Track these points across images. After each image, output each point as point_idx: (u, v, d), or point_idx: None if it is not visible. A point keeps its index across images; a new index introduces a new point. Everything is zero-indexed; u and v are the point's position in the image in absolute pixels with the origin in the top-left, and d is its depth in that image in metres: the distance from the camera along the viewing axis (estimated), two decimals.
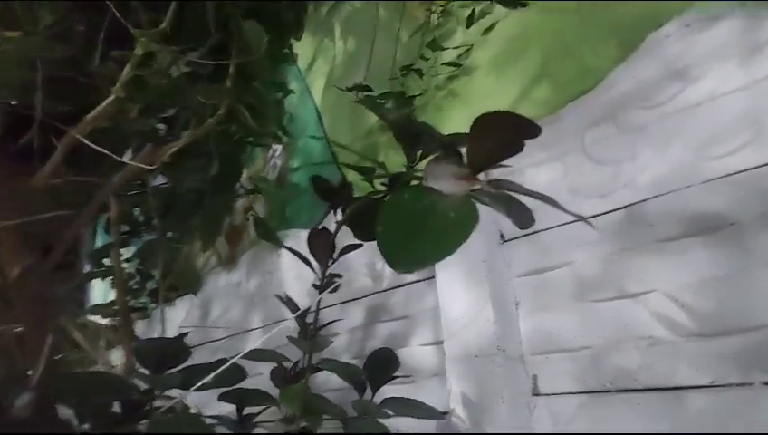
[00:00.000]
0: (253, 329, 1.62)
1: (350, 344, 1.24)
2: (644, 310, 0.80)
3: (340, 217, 0.64)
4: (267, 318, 1.57)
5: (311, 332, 0.71)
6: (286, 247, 0.70)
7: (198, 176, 1.48)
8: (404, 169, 0.54)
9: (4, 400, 0.79)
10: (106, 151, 0.87)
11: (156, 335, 1.52)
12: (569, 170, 0.94)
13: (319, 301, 0.66)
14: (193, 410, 0.89)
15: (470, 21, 1.35)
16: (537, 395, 0.89)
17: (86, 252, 1.97)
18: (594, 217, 0.89)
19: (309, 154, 1.95)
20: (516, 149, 0.40)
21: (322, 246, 0.64)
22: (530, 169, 0.99)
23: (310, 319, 0.76)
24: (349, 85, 1.54)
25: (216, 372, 0.64)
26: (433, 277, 1.05)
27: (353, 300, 1.27)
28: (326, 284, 0.65)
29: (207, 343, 1.89)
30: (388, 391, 1.00)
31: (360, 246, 0.62)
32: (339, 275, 0.66)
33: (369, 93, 1.46)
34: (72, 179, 1.11)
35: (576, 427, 0.83)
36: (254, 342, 1.61)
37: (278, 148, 2.11)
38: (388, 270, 1.19)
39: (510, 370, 0.89)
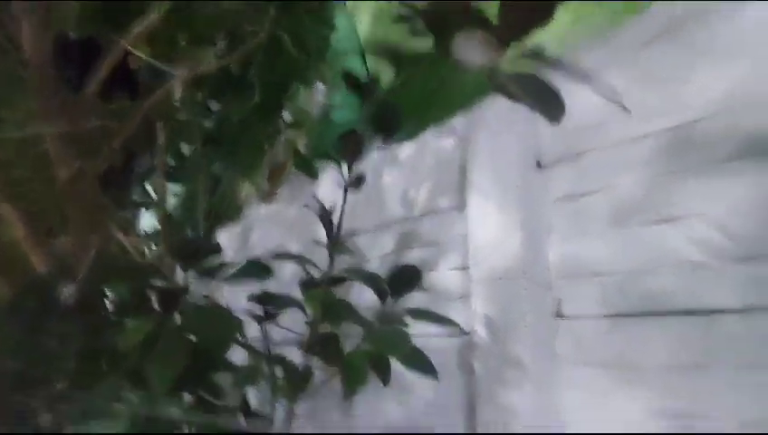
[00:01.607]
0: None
1: (380, 271, 1.25)
2: (685, 235, 0.76)
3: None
4: (306, 244, 1.60)
5: (334, 235, 0.72)
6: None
7: (241, 103, 1.50)
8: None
9: (53, 291, 0.85)
10: (151, 60, 0.89)
11: None
12: (620, 91, 0.89)
13: (344, 200, 0.66)
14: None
15: None
16: (561, 317, 0.88)
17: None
18: (642, 138, 0.84)
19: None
20: (547, 16, 0.38)
21: (351, 147, 0.65)
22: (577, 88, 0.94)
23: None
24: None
25: (241, 266, 0.66)
26: (464, 205, 1.04)
27: (385, 227, 1.27)
28: (353, 182, 0.65)
29: None
30: None
31: (387, 147, 0.62)
32: (363, 176, 0.67)
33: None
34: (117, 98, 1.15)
35: (600, 349, 0.81)
36: (294, 267, 1.65)
37: (321, 84, 2.10)
38: (421, 197, 1.19)
39: (534, 293, 0.88)
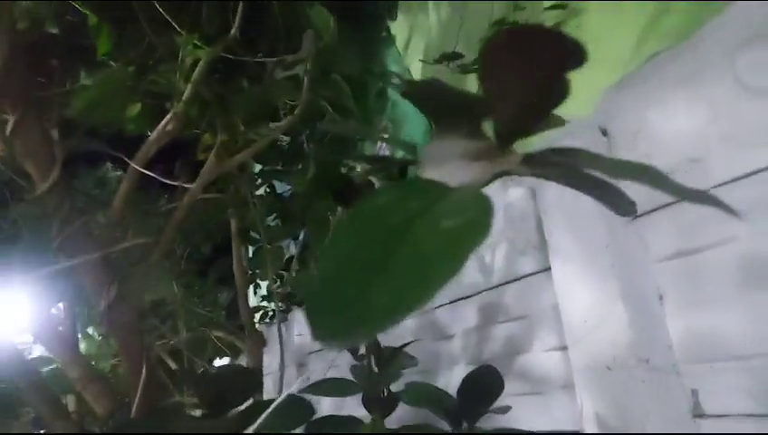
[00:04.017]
0: None
1: (465, 349, 1.10)
2: None
3: None
4: None
5: (381, 361, 0.59)
6: None
7: (296, 180, 1.44)
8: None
9: None
10: (162, 179, 0.85)
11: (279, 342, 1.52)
12: (718, 111, 0.69)
13: None
14: None
15: None
16: (701, 416, 0.67)
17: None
18: (761, 172, 0.64)
19: (414, 142, 1.82)
20: (562, 89, 0.23)
21: None
22: (658, 116, 0.75)
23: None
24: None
25: (269, 410, 0.55)
26: (549, 269, 0.87)
27: (465, 298, 1.12)
28: None
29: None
30: (512, 403, 0.85)
31: None
32: None
33: (461, 62, 1.29)
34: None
35: None
36: None
37: (383, 143, 2.02)
38: (498, 262, 1.03)
39: (658, 384, 0.68)
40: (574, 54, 0.20)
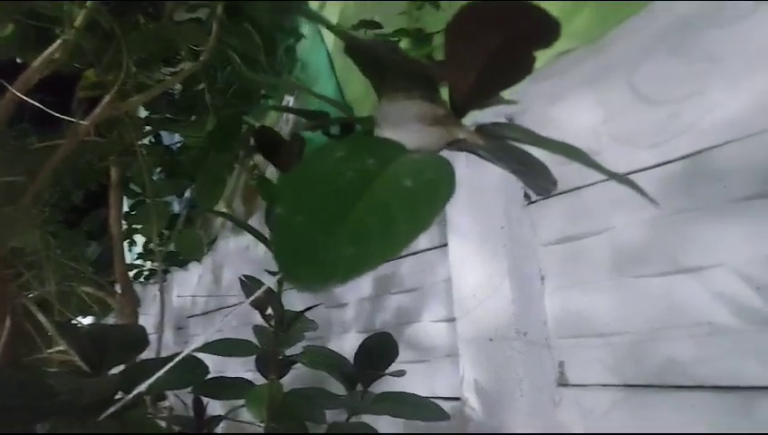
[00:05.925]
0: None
1: (358, 317, 1.12)
2: (704, 289, 0.64)
3: None
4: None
5: (283, 321, 0.58)
6: (246, 228, 0.56)
7: (193, 132, 1.35)
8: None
9: None
10: (45, 108, 0.75)
11: (159, 302, 1.44)
12: (612, 114, 0.76)
13: (281, 285, 0.53)
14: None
15: None
16: (564, 386, 0.75)
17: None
18: (643, 170, 0.72)
19: (322, 105, 1.79)
20: (526, 65, 0.24)
21: None
22: (561, 112, 0.81)
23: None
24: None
25: (166, 367, 0.52)
26: (446, 245, 0.91)
27: None
28: None
29: (221, 308, 1.82)
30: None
31: None
32: None
33: (379, 31, 1.28)
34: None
35: (610, 424, 0.69)
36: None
37: (290, 99, 1.96)
38: None
39: (531, 356, 0.75)
40: (547, 30, 0.21)
